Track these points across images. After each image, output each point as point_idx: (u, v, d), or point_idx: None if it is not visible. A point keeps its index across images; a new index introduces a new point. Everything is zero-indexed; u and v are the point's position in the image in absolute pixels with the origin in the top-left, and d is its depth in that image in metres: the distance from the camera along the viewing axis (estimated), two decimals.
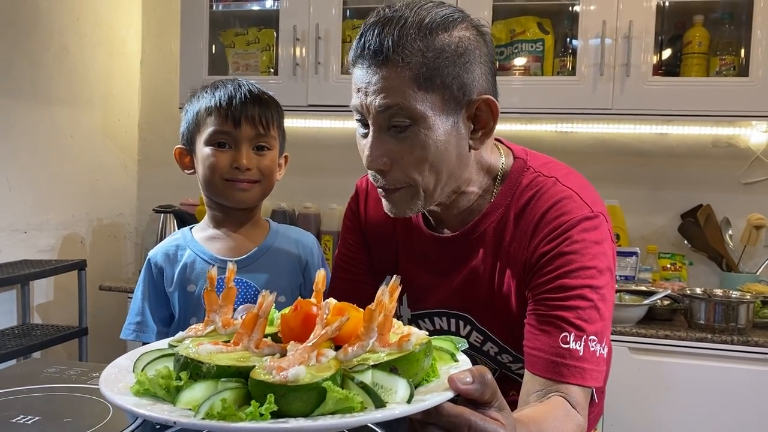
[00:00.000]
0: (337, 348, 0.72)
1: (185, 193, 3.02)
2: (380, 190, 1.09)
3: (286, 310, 0.79)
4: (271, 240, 1.40)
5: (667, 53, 2.55)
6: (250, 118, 1.29)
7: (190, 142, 1.36)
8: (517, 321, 1.12)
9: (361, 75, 1.03)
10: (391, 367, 0.68)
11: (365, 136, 1.06)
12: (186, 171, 1.39)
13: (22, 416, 0.98)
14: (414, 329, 0.76)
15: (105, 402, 1.02)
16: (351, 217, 1.32)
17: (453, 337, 0.83)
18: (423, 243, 1.22)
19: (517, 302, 1.12)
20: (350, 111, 1.08)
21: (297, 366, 0.64)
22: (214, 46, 2.83)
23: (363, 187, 1.31)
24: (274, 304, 0.76)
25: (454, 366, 0.77)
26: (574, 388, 0.99)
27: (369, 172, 1.08)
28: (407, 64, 0.99)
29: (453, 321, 1.21)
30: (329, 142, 3.02)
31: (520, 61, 2.57)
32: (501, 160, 1.16)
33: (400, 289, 0.76)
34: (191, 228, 1.42)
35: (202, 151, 1.31)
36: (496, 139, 1.20)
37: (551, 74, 2.55)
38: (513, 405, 0.78)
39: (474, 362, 1.24)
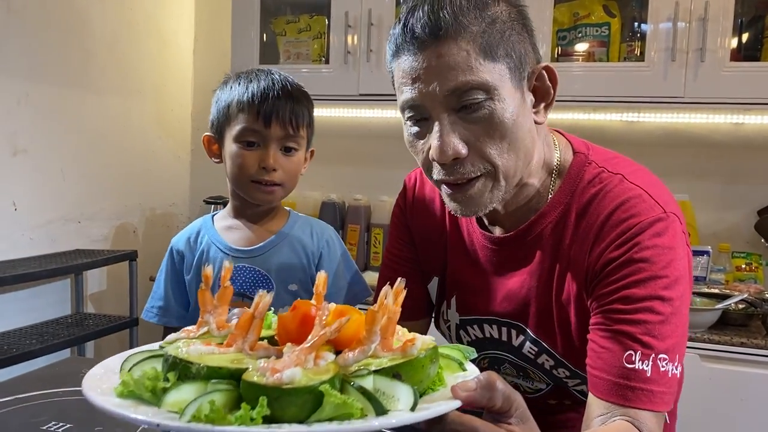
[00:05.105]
0: (337, 354, 0.66)
1: None
2: (448, 188, 0.98)
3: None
4: (288, 230, 1.38)
5: (746, 37, 2.36)
6: (280, 118, 1.27)
7: (218, 132, 1.35)
8: (576, 332, 1.02)
9: (412, 63, 0.93)
10: (394, 373, 0.63)
11: (421, 135, 0.97)
12: (213, 159, 1.38)
13: (53, 423, 0.95)
14: (419, 335, 0.70)
15: None
16: (398, 214, 1.26)
17: (462, 346, 0.77)
18: (474, 243, 1.13)
19: (576, 311, 1.01)
20: None
21: (293, 368, 0.58)
22: (265, 35, 2.78)
23: (411, 184, 1.25)
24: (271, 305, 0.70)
25: (462, 375, 0.72)
26: (642, 412, 0.88)
27: (436, 169, 0.97)
28: (470, 34, 0.90)
29: (504, 329, 1.12)
30: (381, 133, 2.93)
31: (583, 47, 2.43)
32: (556, 154, 1.06)
33: (405, 293, 0.69)
34: (213, 215, 1.43)
35: (231, 146, 1.31)
36: (555, 130, 1.11)
37: (617, 60, 2.40)
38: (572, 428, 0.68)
39: (527, 376, 1.14)
